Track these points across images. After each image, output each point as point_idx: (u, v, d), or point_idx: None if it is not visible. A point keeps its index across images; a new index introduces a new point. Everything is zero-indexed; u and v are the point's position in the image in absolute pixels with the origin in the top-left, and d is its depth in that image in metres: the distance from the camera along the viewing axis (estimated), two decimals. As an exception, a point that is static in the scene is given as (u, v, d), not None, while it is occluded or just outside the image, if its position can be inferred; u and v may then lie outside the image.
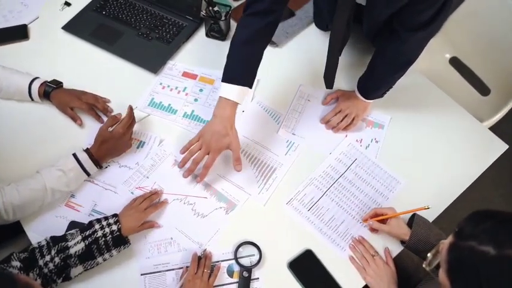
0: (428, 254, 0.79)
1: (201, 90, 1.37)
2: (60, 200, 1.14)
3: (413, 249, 1.09)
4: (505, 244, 0.65)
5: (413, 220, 1.10)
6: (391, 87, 1.26)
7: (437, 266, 0.76)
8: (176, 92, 1.36)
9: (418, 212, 1.11)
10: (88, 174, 1.14)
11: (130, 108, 1.18)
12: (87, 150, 1.13)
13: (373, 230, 1.15)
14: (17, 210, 1.04)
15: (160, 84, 1.37)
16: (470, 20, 1.62)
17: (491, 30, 1.58)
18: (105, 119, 1.29)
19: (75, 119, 1.27)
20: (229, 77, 1.11)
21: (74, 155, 1.12)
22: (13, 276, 0.68)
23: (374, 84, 1.26)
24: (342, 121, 1.29)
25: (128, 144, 1.20)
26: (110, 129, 1.15)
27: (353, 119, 1.29)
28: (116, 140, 1.15)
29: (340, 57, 1.24)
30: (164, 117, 1.31)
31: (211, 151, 1.13)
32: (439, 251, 0.75)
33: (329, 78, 1.29)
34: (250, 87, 1.14)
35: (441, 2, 0.97)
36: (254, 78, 1.15)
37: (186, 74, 1.40)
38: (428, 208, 1.06)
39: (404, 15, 1.05)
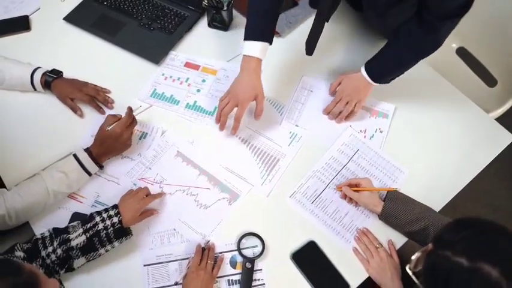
0: (413, 257, 0.78)
1: (203, 80, 1.36)
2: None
3: (386, 222, 1.12)
4: (478, 256, 0.66)
5: (386, 195, 1.12)
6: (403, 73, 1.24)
7: None
8: (178, 82, 1.35)
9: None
10: (89, 174, 1.13)
11: (130, 109, 1.16)
12: (87, 150, 1.12)
13: (349, 200, 1.16)
14: (20, 215, 1.04)
15: (163, 75, 1.36)
16: (479, 9, 1.59)
17: (500, 21, 1.56)
18: (106, 109, 1.28)
19: (75, 109, 1.26)
20: (251, 34, 1.16)
21: (75, 155, 1.11)
22: (19, 264, 0.69)
23: (390, 68, 1.22)
24: (343, 110, 1.27)
25: (126, 144, 1.17)
26: (108, 128, 1.13)
27: (354, 106, 1.26)
28: (113, 139, 1.13)
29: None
30: (166, 108, 1.30)
31: (239, 103, 1.16)
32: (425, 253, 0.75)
33: (311, 44, 1.28)
34: (271, 43, 1.18)
35: None
36: (273, 35, 1.19)
37: (188, 65, 1.38)
38: (395, 190, 1.12)
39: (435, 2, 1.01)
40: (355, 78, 1.26)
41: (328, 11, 1.24)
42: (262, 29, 1.17)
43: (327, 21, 1.26)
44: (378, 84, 1.24)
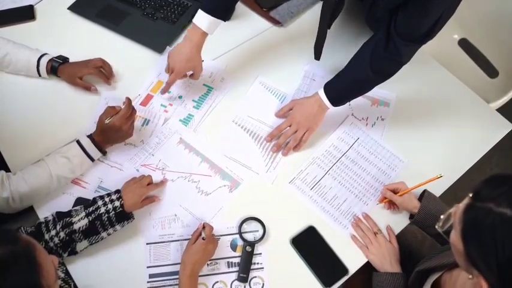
0: (442, 216, 0.78)
1: (205, 69, 1.37)
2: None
3: (421, 223, 1.10)
4: None
5: (423, 195, 1.11)
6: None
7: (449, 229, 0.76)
8: (182, 72, 1.36)
9: (428, 187, 1.11)
10: (92, 159, 1.14)
11: (129, 100, 1.15)
12: (90, 136, 1.13)
13: (389, 205, 1.15)
14: (24, 198, 1.06)
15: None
16: (481, 0, 1.60)
17: (502, 12, 1.56)
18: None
19: (88, 87, 1.27)
20: (206, 6, 1.14)
21: (78, 141, 1.12)
22: (15, 234, 0.71)
23: (352, 91, 1.19)
24: (290, 139, 1.22)
25: (127, 133, 1.17)
26: (107, 121, 1.11)
27: (304, 134, 1.21)
28: (113, 131, 1.13)
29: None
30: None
31: (174, 71, 1.20)
32: (453, 213, 0.74)
33: (317, 49, 1.30)
34: (224, 20, 1.17)
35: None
36: (230, 13, 1.18)
37: (191, 54, 1.39)
38: (441, 176, 1.06)
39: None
40: (307, 105, 1.21)
41: (330, 19, 1.26)
42: (216, 4, 1.16)
43: (329, 28, 1.27)
44: (332, 109, 1.20)
